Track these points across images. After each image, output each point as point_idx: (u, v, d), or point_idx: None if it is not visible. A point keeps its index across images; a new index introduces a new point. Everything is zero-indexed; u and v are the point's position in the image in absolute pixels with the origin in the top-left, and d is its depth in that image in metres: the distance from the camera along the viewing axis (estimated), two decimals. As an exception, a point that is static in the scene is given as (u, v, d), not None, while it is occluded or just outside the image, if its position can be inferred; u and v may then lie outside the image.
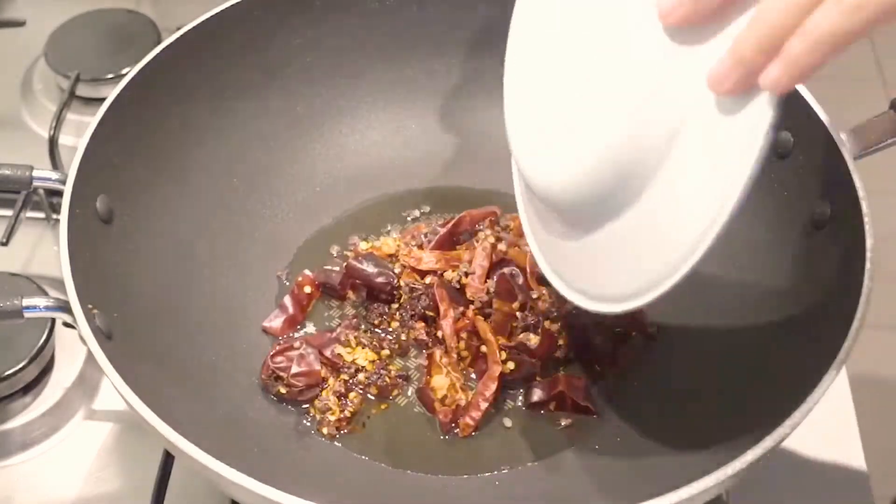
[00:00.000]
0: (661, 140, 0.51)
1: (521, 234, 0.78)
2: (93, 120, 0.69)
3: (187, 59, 0.76)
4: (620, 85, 0.52)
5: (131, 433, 0.73)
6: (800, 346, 0.64)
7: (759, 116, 0.46)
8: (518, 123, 0.62)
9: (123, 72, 0.90)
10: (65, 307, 0.61)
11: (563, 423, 0.70)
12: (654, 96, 0.50)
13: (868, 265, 0.61)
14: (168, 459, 0.70)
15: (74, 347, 0.76)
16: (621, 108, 0.52)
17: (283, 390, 0.71)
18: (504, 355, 0.71)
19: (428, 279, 0.75)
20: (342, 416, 0.70)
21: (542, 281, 0.75)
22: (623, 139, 0.52)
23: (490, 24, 0.83)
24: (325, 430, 0.70)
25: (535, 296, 0.73)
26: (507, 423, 0.71)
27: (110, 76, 0.93)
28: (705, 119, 0.49)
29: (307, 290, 0.77)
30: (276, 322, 0.76)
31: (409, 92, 0.86)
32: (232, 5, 0.78)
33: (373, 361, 0.73)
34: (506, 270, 0.74)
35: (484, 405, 0.69)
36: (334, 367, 0.72)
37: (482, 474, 0.68)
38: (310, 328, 0.76)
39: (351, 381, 0.72)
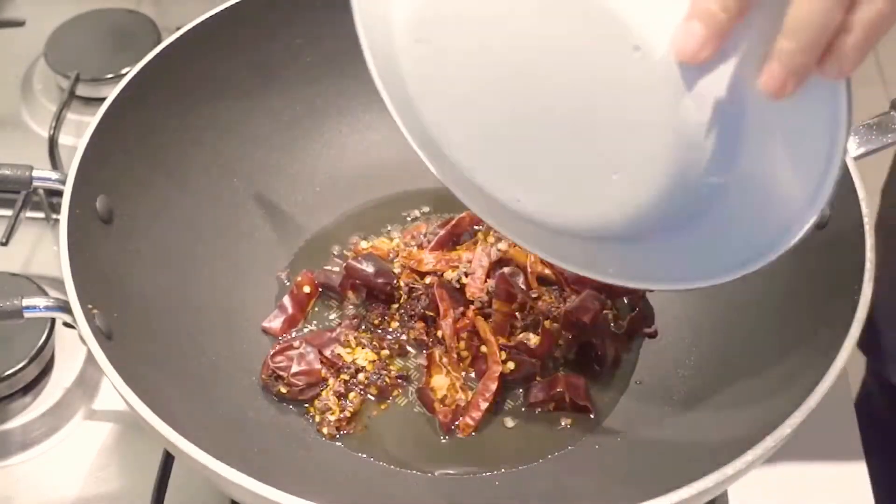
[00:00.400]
0: (721, 145, 0.49)
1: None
2: (93, 120, 0.69)
3: (187, 59, 0.76)
4: (648, 106, 0.49)
5: (131, 433, 0.73)
6: (799, 346, 0.64)
7: (831, 90, 0.46)
8: (508, 174, 0.55)
9: (123, 72, 0.89)
10: (65, 307, 0.61)
11: (563, 423, 0.70)
12: (691, 105, 0.49)
13: (868, 265, 0.61)
14: (168, 459, 0.70)
15: (74, 347, 0.76)
16: (660, 132, 0.50)
17: (283, 390, 0.71)
18: (504, 355, 0.71)
19: (428, 279, 0.75)
20: (342, 416, 0.70)
21: (542, 281, 0.75)
22: (676, 161, 0.50)
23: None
24: (325, 430, 0.70)
25: (534, 296, 0.73)
26: (507, 423, 0.71)
27: (110, 76, 0.93)
28: (766, 110, 0.48)
29: (306, 289, 0.77)
30: (275, 322, 0.76)
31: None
32: (232, 5, 0.77)
33: (373, 361, 0.73)
34: (506, 270, 0.74)
35: (484, 405, 0.69)
36: (334, 367, 0.72)
37: (482, 474, 0.68)
38: (310, 328, 0.76)
39: (351, 381, 0.72)
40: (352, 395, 0.71)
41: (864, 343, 0.99)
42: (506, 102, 0.53)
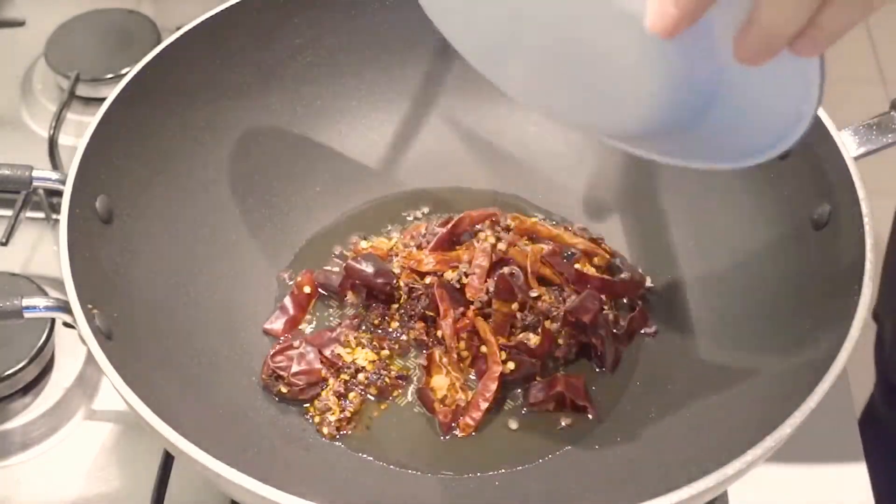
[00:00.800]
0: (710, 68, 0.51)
1: (521, 234, 0.78)
2: (93, 120, 0.69)
3: (187, 59, 0.76)
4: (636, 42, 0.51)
5: (131, 433, 0.73)
6: (799, 346, 0.64)
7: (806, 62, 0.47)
8: (528, 88, 0.61)
9: (123, 72, 0.90)
10: (65, 307, 0.61)
11: (563, 423, 0.70)
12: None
13: (868, 265, 0.61)
14: (168, 459, 0.70)
15: (74, 347, 0.76)
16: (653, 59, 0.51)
17: (283, 390, 0.71)
18: (504, 355, 0.71)
19: (428, 279, 0.75)
20: (342, 416, 0.70)
21: (542, 281, 0.75)
22: (672, 77, 0.52)
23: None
24: (325, 431, 0.70)
25: (534, 295, 0.73)
26: (508, 423, 0.71)
27: (110, 76, 0.93)
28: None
29: (306, 290, 0.77)
30: (277, 324, 0.76)
31: (408, 92, 0.86)
32: (232, 5, 0.78)
33: (373, 361, 0.73)
34: (506, 270, 0.74)
35: (484, 405, 0.70)
36: (334, 367, 0.72)
37: (482, 474, 0.68)
38: (310, 328, 0.76)
39: (351, 381, 0.72)
40: (352, 395, 0.71)
41: (876, 356, 1.01)
42: (518, 33, 0.58)
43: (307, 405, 0.71)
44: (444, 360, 0.72)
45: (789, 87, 0.49)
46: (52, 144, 0.88)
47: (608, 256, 0.78)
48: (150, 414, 0.56)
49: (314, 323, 0.76)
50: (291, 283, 0.78)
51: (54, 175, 0.69)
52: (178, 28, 0.76)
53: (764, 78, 0.50)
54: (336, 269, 0.79)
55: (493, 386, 0.70)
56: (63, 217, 0.64)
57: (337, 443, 0.70)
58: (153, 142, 0.75)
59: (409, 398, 0.72)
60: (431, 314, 0.74)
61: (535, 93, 0.61)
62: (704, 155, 0.57)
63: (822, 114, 0.67)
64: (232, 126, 0.80)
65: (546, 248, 0.76)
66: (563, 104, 0.60)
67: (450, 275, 0.75)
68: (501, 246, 0.75)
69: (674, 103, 0.53)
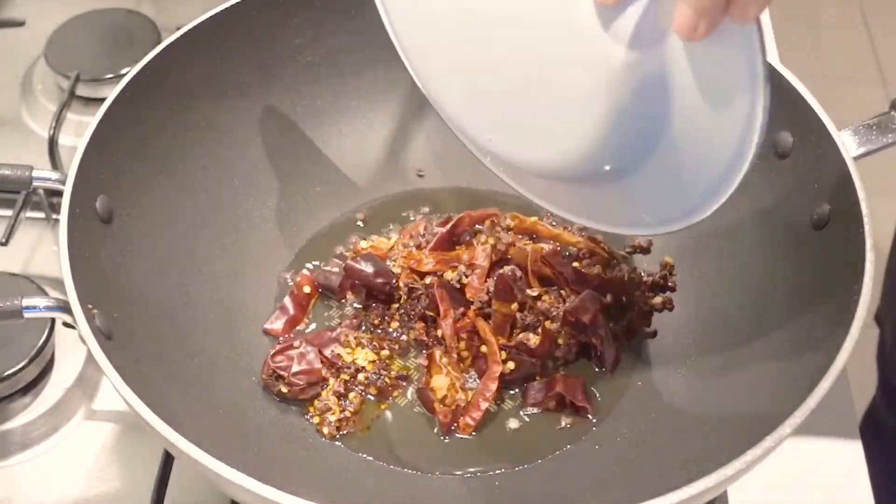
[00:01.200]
0: (653, 91, 0.51)
1: (521, 234, 0.78)
2: (93, 120, 0.69)
3: (187, 59, 0.76)
4: (583, 52, 0.52)
5: (131, 433, 0.73)
6: (800, 346, 0.64)
7: (745, 33, 0.47)
8: (474, 117, 0.62)
9: (123, 72, 0.89)
10: (65, 307, 0.61)
11: (562, 423, 0.70)
12: (621, 55, 0.51)
13: (868, 265, 0.61)
14: (168, 459, 0.70)
15: (74, 347, 0.76)
16: (596, 77, 0.52)
17: (284, 389, 0.71)
18: (504, 355, 0.71)
19: (428, 279, 0.75)
20: (342, 416, 0.70)
21: (542, 281, 0.75)
22: (614, 104, 0.52)
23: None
24: (325, 431, 0.70)
25: (534, 295, 0.73)
26: (508, 423, 0.71)
27: (110, 76, 0.93)
28: (688, 56, 0.49)
29: (306, 289, 0.77)
30: (277, 324, 0.76)
31: (409, 92, 0.86)
32: (232, 5, 0.78)
33: (373, 361, 0.73)
34: (506, 270, 0.74)
35: (484, 405, 0.70)
36: (334, 366, 0.72)
37: (482, 474, 0.68)
38: (310, 328, 0.76)
39: (351, 381, 0.72)
40: (352, 395, 0.71)
41: (878, 359, 1.01)
42: (467, 50, 0.59)
43: (307, 405, 0.71)
44: (444, 360, 0.72)
45: (734, 108, 0.49)
46: (52, 144, 0.88)
47: (607, 256, 0.78)
48: (150, 414, 0.56)
49: (314, 323, 0.76)
50: (291, 283, 0.78)
51: (54, 175, 0.69)
52: (178, 28, 0.76)
53: (709, 95, 0.50)
54: (336, 269, 0.79)
55: (493, 386, 0.70)
56: (63, 217, 0.64)
57: (337, 443, 0.70)
58: (153, 142, 0.75)
59: (409, 398, 0.72)
60: (431, 314, 0.74)
61: (478, 119, 0.62)
62: (653, 211, 0.58)
63: (822, 113, 0.67)
64: (232, 126, 0.80)
65: (546, 247, 0.76)
66: (506, 132, 0.61)
67: (450, 275, 0.75)
68: (501, 246, 0.75)
69: (620, 125, 0.53)
